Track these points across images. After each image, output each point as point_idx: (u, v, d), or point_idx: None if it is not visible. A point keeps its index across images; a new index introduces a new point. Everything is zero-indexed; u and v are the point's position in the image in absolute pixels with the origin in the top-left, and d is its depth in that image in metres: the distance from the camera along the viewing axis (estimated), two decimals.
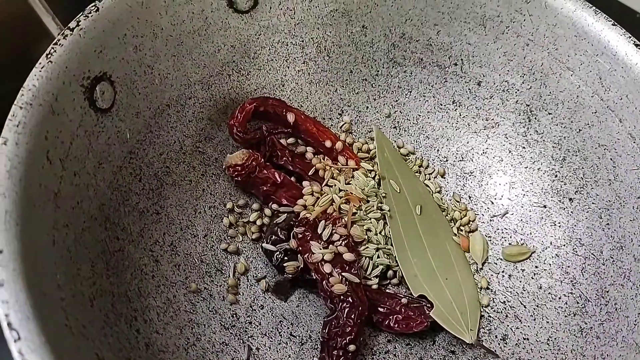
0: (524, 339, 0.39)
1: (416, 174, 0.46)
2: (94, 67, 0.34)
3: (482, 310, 0.41)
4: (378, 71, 0.47)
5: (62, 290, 0.29)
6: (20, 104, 0.30)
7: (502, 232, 0.44)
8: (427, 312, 0.39)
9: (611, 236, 0.38)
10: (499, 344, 0.39)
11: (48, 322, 0.26)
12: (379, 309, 0.39)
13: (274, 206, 0.42)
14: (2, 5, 0.42)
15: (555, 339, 0.38)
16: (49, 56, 0.32)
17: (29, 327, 0.25)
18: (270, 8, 0.43)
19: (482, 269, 0.43)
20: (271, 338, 0.39)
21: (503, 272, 0.42)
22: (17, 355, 0.24)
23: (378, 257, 0.41)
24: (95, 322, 0.31)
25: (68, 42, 0.33)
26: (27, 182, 0.28)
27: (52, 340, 0.25)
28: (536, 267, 0.42)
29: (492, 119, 0.45)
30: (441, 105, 0.46)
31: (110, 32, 0.35)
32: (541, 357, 0.38)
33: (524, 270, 0.42)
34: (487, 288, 0.42)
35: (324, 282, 0.38)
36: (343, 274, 0.38)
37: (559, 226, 0.42)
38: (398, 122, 0.47)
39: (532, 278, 0.41)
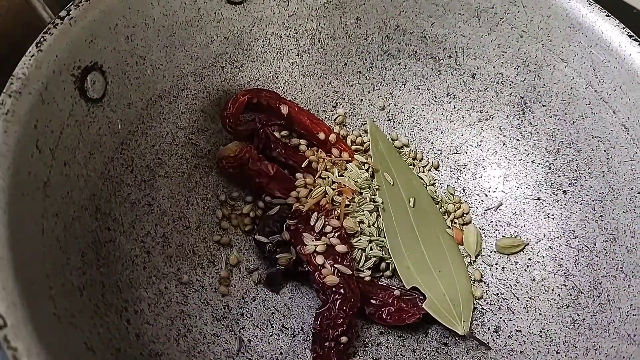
0: (517, 330, 0.39)
1: (410, 166, 0.46)
2: (85, 57, 0.34)
3: (475, 302, 0.40)
4: (372, 63, 0.47)
5: (51, 279, 0.29)
6: (9, 92, 0.30)
7: (496, 225, 0.44)
8: (420, 304, 0.39)
9: (604, 228, 0.38)
10: (491, 336, 0.39)
11: (36, 310, 0.26)
12: (372, 301, 0.39)
13: (267, 198, 0.42)
14: None
15: (547, 330, 0.38)
16: (39, 45, 0.32)
17: (15, 315, 0.25)
18: None
19: (475, 261, 0.42)
20: (263, 330, 0.39)
21: (496, 264, 0.42)
22: (3, 342, 0.24)
23: (371, 249, 0.40)
24: (85, 312, 0.31)
25: (58, 31, 0.33)
26: (15, 170, 0.28)
27: (39, 328, 0.25)
28: (529, 259, 0.42)
29: (487, 112, 0.45)
30: (435, 97, 0.46)
31: (101, 22, 0.35)
32: (534, 349, 0.38)
33: (517, 262, 0.42)
34: (481, 280, 0.42)
35: (316, 273, 0.38)
36: (335, 265, 0.38)
37: (553, 218, 0.42)
38: (392, 114, 0.47)
39: (526, 270, 0.41)
